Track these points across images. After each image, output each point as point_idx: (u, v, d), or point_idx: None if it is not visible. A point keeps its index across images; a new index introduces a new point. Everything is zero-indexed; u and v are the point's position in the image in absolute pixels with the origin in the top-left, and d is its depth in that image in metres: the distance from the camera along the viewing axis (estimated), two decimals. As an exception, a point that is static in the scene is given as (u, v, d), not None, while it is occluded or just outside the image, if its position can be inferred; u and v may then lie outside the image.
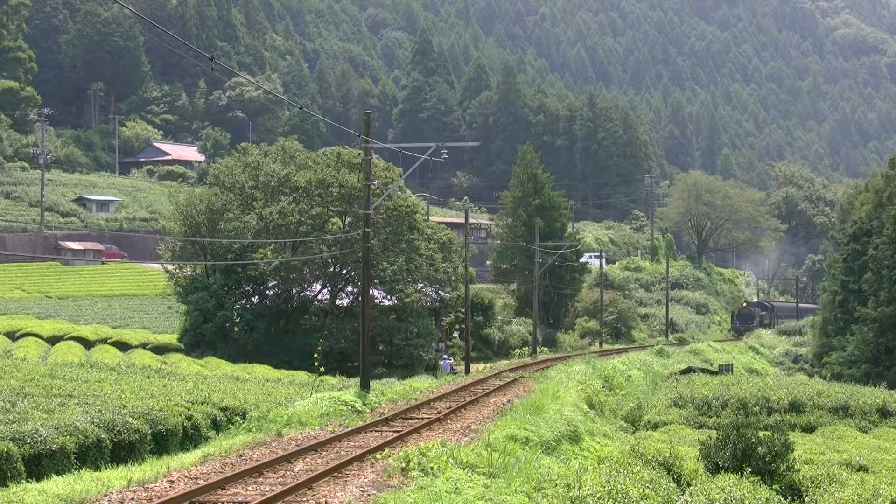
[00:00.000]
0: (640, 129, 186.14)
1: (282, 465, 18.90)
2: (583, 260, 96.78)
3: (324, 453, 20.48)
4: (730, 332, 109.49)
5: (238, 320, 60.07)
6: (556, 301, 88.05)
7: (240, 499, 15.94)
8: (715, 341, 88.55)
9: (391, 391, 32.91)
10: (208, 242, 60.46)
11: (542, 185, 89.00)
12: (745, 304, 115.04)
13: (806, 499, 19.45)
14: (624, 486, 16.73)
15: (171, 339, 60.65)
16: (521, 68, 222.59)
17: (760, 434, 21.35)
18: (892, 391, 41.25)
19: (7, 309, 67.55)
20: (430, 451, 19.05)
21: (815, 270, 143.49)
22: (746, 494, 17.25)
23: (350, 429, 23.44)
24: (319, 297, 63.07)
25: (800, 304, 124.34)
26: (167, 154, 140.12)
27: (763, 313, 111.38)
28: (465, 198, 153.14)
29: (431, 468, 18.02)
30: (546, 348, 72.43)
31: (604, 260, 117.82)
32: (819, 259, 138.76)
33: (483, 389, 33.73)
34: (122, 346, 56.41)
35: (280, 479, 17.59)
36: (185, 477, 17.47)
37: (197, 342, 58.76)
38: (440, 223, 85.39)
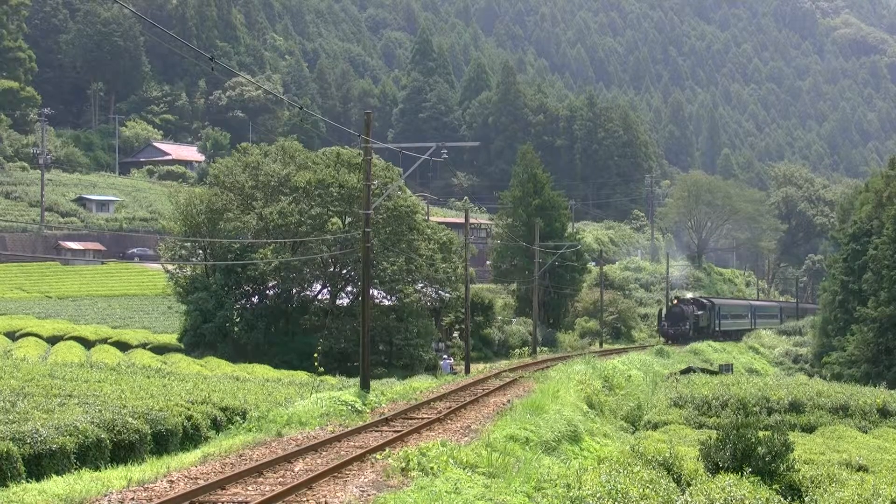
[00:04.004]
0: (640, 129, 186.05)
1: (282, 465, 18.90)
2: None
3: (324, 453, 20.47)
4: (654, 334, 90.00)
5: (238, 320, 60.04)
6: (556, 301, 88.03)
7: (240, 499, 15.94)
8: (714, 341, 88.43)
9: (391, 391, 32.89)
10: (208, 242, 60.43)
11: (542, 185, 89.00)
12: (675, 302, 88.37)
13: (806, 499, 19.44)
14: (624, 486, 16.73)
15: (171, 339, 60.61)
16: (521, 68, 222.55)
17: (760, 434, 21.35)
18: (892, 391, 41.22)
19: (7, 309, 67.53)
20: (430, 451, 19.04)
21: (815, 270, 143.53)
22: (746, 494, 17.25)
23: (350, 429, 23.44)
24: (319, 296, 63.07)
25: (753, 302, 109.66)
26: (167, 154, 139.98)
27: (700, 313, 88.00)
28: (465, 198, 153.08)
29: (431, 468, 18.02)
30: (546, 348, 72.43)
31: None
32: (819, 259, 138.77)
33: (483, 389, 33.71)
34: (122, 346, 56.38)
35: (280, 479, 17.58)
36: (185, 477, 17.47)
37: (197, 342, 58.72)
38: (440, 223, 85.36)
